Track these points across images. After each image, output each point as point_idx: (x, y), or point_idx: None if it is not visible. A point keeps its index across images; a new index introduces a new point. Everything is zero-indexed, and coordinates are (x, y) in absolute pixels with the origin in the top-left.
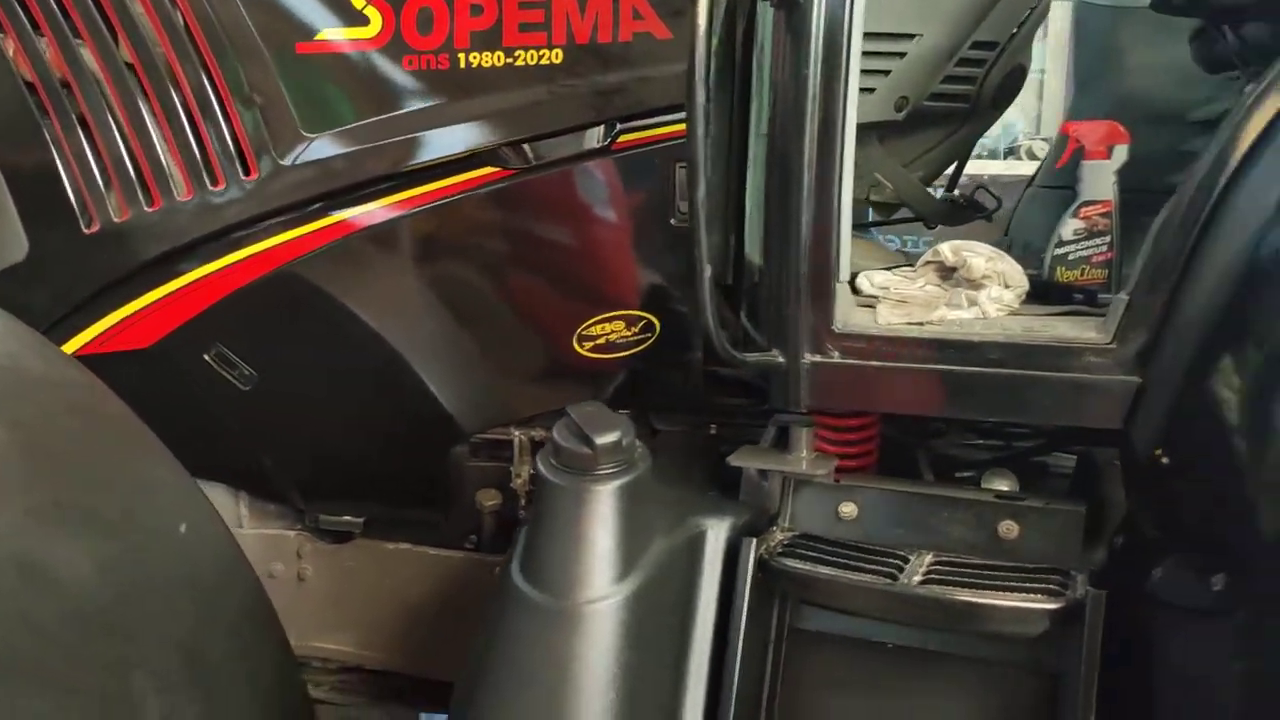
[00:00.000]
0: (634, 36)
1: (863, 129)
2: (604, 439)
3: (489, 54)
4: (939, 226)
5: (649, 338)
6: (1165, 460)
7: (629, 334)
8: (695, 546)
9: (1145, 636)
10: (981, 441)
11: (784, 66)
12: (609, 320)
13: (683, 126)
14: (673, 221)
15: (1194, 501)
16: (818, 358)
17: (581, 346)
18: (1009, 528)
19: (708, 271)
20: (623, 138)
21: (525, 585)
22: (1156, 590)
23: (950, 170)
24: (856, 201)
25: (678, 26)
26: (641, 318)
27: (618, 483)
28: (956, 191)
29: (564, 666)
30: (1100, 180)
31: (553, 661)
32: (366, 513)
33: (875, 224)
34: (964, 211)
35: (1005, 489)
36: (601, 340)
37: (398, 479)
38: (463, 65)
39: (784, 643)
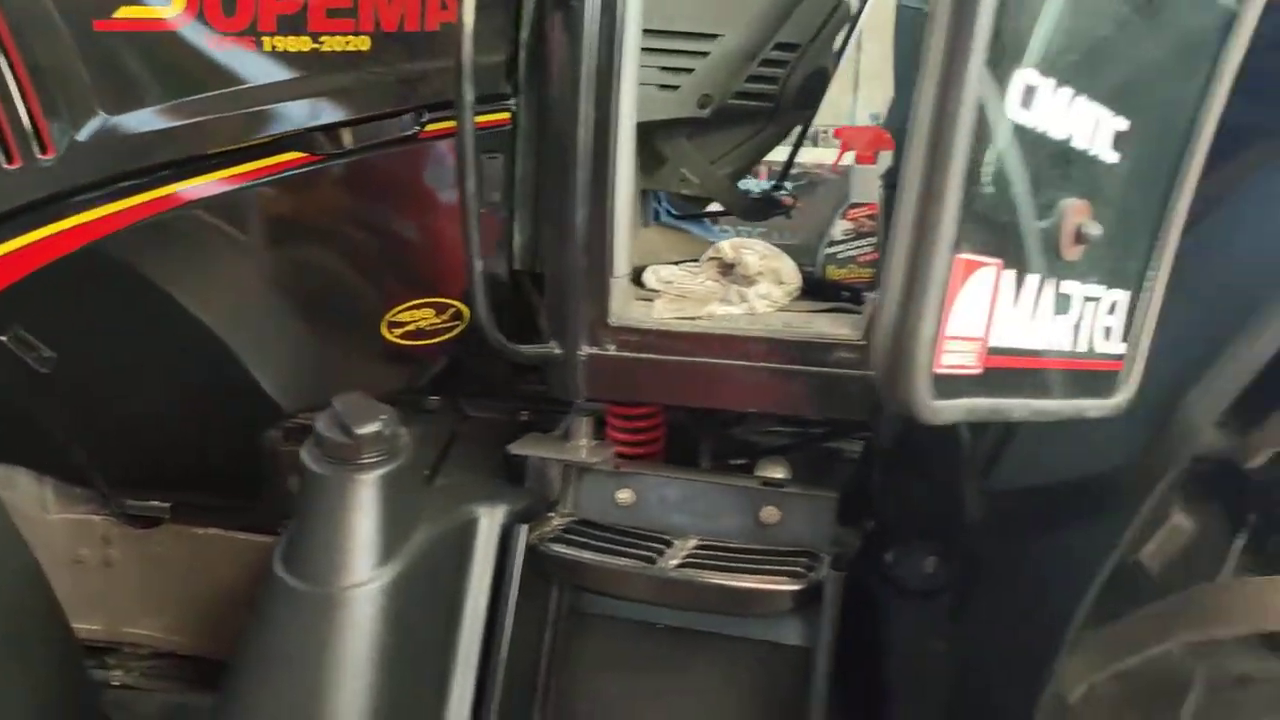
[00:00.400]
0: (441, 26)
1: (670, 125)
2: (365, 429)
3: (295, 38)
4: (784, 218)
5: (458, 325)
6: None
7: (438, 321)
8: (467, 533)
9: (881, 615)
10: (782, 429)
11: (559, 65)
12: (418, 307)
13: (491, 117)
14: (482, 210)
15: (920, 489)
16: (594, 350)
17: (391, 333)
18: (770, 513)
19: (479, 265)
20: (431, 126)
21: (285, 573)
22: (888, 572)
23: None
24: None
25: (485, 18)
26: (450, 305)
27: (378, 472)
28: (789, 186)
29: (322, 651)
30: (866, 184)
31: (311, 647)
32: (174, 498)
33: (703, 215)
34: (768, 207)
35: (778, 476)
36: (411, 327)
37: (208, 464)
38: (268, 49)
39: (561, 626)
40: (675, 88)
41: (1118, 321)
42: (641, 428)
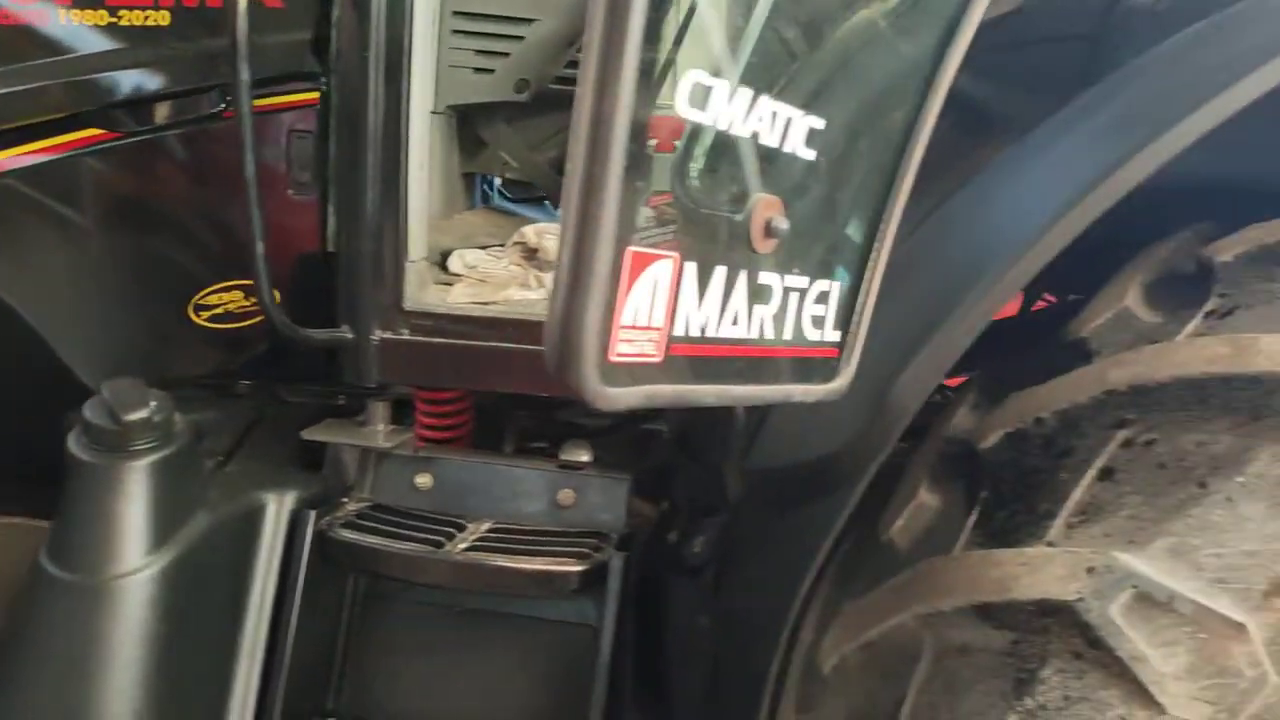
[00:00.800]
0: (246, 4)
1: (489, 109)
2: (133, 416)
3: (91, 12)
4: None
5: None
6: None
7: (248, 304)
8: (253, 519)
9: (665, 592)
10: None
11: (348, 45)
12: (227, 290)
13: (298, 97)
14: (290, 192)
15: (696, 473)
16: (387, 334)
17: (198, 316)
18: (567, 495)
19: (260, 247)
20: None
21: (50, 565)
22: (671, 551)
23: None
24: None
25: None
26: None
27: (147, 460)
28: None
29: (90, 643)
30: (665, 172)
31: (78, 639)
32: None
33: (542, 199)
34: None
35: (582, 458)
36: (219, 310)
37: (11, 448)
38: (63, 21)
39: (357, 610)
40: (491, 71)
41: (830, 310)
42: (447, 412)
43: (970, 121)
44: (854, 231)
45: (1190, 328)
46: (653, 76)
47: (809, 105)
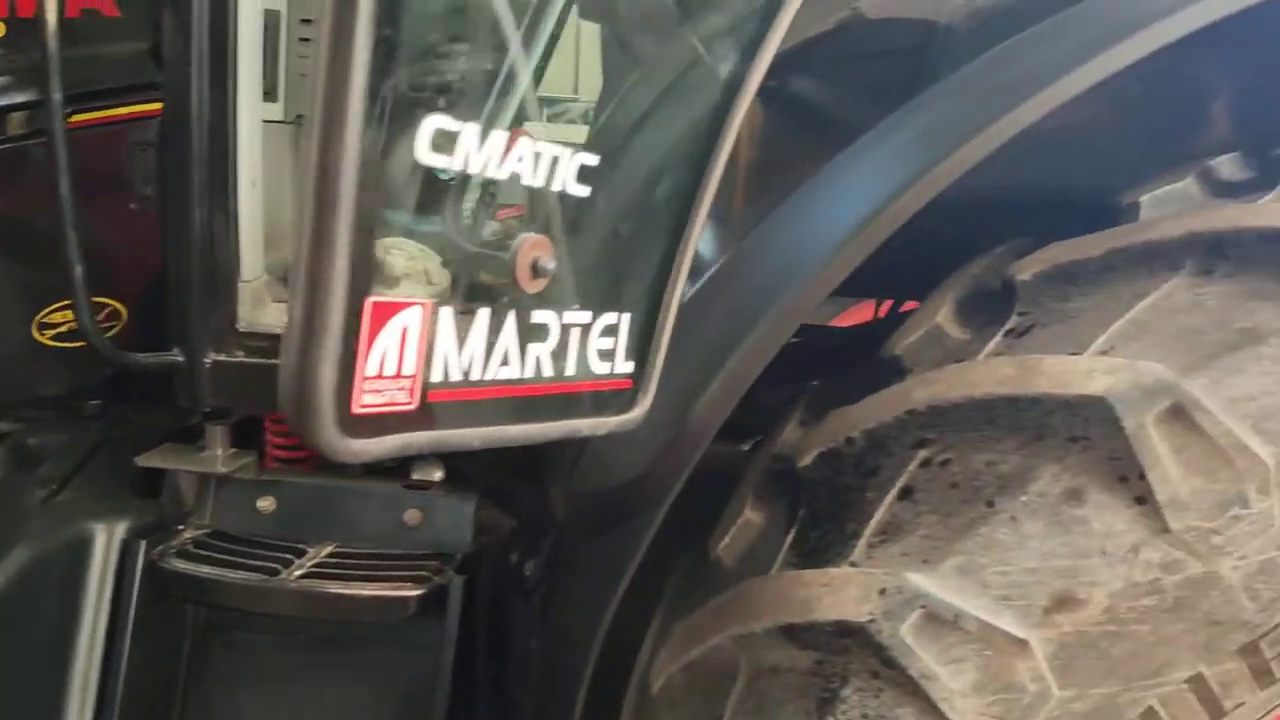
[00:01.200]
0: (81, 13)
1: None
2: None
3: None
4: None
5: (115, 326)
6: None
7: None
8: (80, 551)
9: (508, 615)
10: None
11: (172, 54)
12: (72, 307)
13: (140, 108)
14: (133, 206)
15: (532, 493)
16: (221, 356)
17: (42, 334)
18: (414, 515)
19: (79, 269)
20: (76, 117)
21: None
22: (513, 572)
23: None
24: None
25: (127, 5)
26: (106, 305)
27: None
28: None
29: None
30: (518, 187)
31: None
32: None
33: None
34: None
35: (433, 477)
36: (64, 328)
37: None
38: None
39: (198, 641)
40: None
41: (620, 343)
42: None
43: (814, 131)
44: (646, 262)
45: (990, 347)
46: (384, 122)
47: (579, 143)
